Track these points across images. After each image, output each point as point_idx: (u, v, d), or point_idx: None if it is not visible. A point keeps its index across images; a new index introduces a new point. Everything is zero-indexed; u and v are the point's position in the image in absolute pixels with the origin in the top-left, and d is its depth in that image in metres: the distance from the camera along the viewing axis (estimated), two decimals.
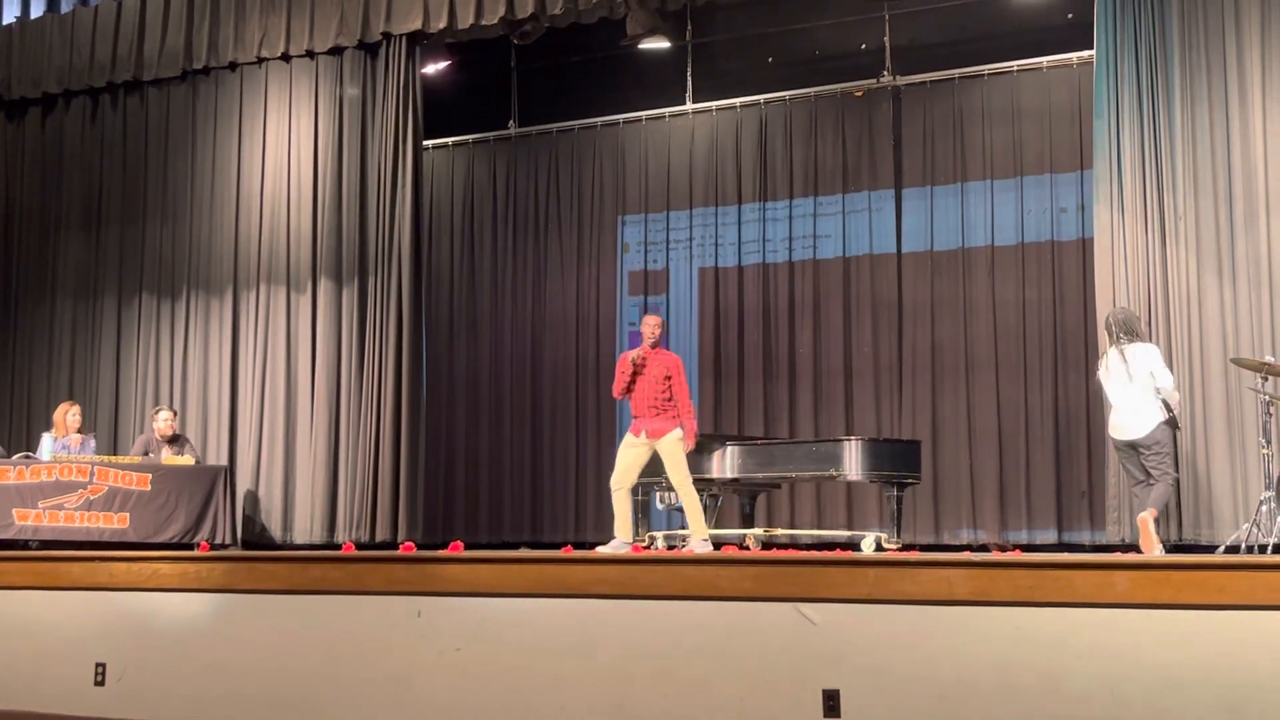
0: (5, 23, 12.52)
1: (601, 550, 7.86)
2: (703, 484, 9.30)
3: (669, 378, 8.34)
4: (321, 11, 11.34)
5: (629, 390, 8.41)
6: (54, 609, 7.36)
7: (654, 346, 8.42)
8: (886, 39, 11.65)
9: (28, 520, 9.57)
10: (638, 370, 8.37)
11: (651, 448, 8.33)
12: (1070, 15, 10.96)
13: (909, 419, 11.47)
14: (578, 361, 12.87)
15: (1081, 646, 5.47)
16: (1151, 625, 5.41)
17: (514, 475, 12.90)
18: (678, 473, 8.27)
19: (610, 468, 8.62)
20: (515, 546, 11.45)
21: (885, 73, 11.70)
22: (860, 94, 11.98)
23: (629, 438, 8.41)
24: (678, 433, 8.27)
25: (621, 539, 8.25)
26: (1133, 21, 9.26)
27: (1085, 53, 10.32)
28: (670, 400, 8.33)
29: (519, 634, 6.37)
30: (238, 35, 11.63)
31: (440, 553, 7.72)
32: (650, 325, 8.48)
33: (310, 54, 11.52)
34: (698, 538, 8.16)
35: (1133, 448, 7.92)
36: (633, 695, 6.08)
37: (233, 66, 11.83)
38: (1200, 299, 8.87)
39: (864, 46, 12.02)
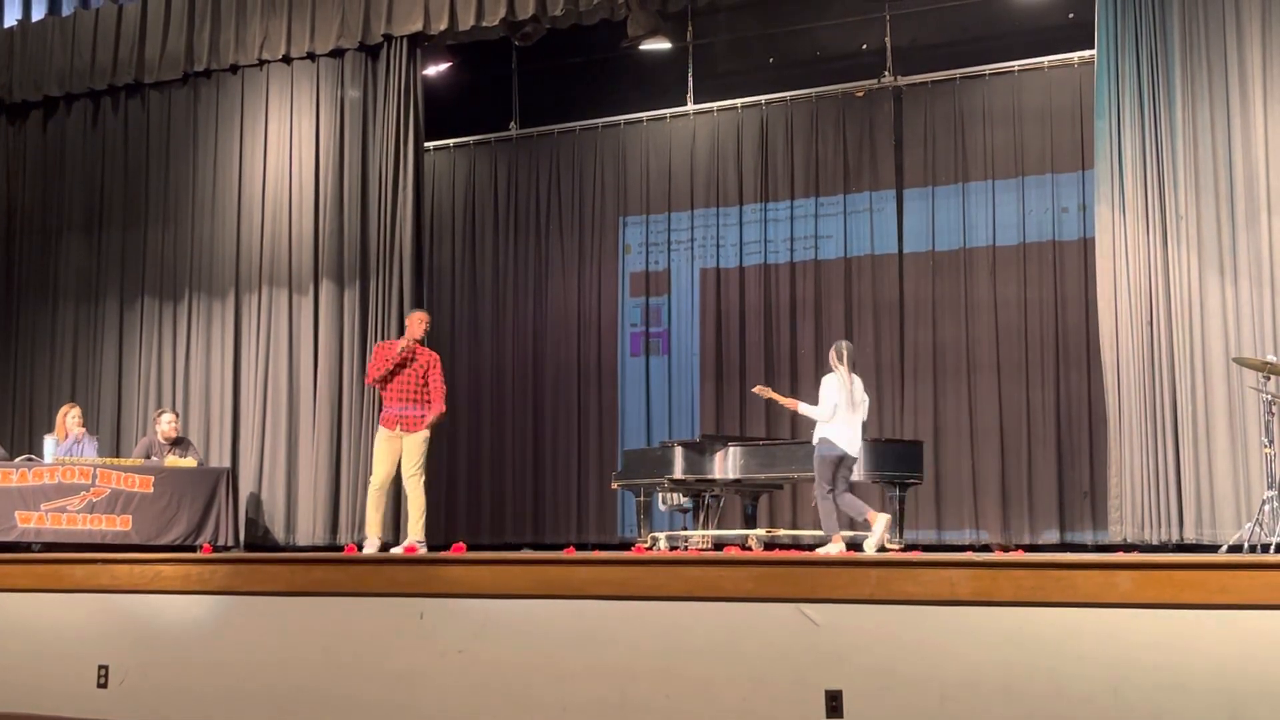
0: (6, 25, 12.52)
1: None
2: (705, 484, 9.31)
3: (428, 373, 9.07)
4: (322, 14, 11.34)
5: (388, 381, 9.01)
6: (56, 611, 7.36)
7: (421, 342, 9.11)
8: (887, 39, 11.66)
9: (30, 523, 9.57)
10: (404, 363, 9.00)
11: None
12: (1071, 15, 10.96)
13: (911, 419, 11.47)
14: (579, 362, 12.87)
15: (1084, 647, 5.47)
16: (1154, 625, 5.41)
17: (516, 476, 12.91)
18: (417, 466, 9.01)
19: (613, 469, 8.64)
20: (517, 548, 11.45)
21: (886, 73, 11.71)
22: (861, 94, 11.99)
23: (388, 433, 8.93)
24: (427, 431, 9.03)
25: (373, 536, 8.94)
26: (1134, 21, 9.26)
27: (1086, 52, 10.32)
28: (426, 394, 9.05)
29: (521, 635, 6.38)
30: (239, 38, 11.63)
31: (442, 554, 7.73)
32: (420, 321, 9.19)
33: (311, 56, 11.52)
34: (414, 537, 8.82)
35: (842, 461, 8.38)
36: (635, 696, 6.08)
37: (234, 69, 11.83)
38: (1202, 298, 8.86)
39: (865, 47, 12.03)
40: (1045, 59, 11.32)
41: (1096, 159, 9.38)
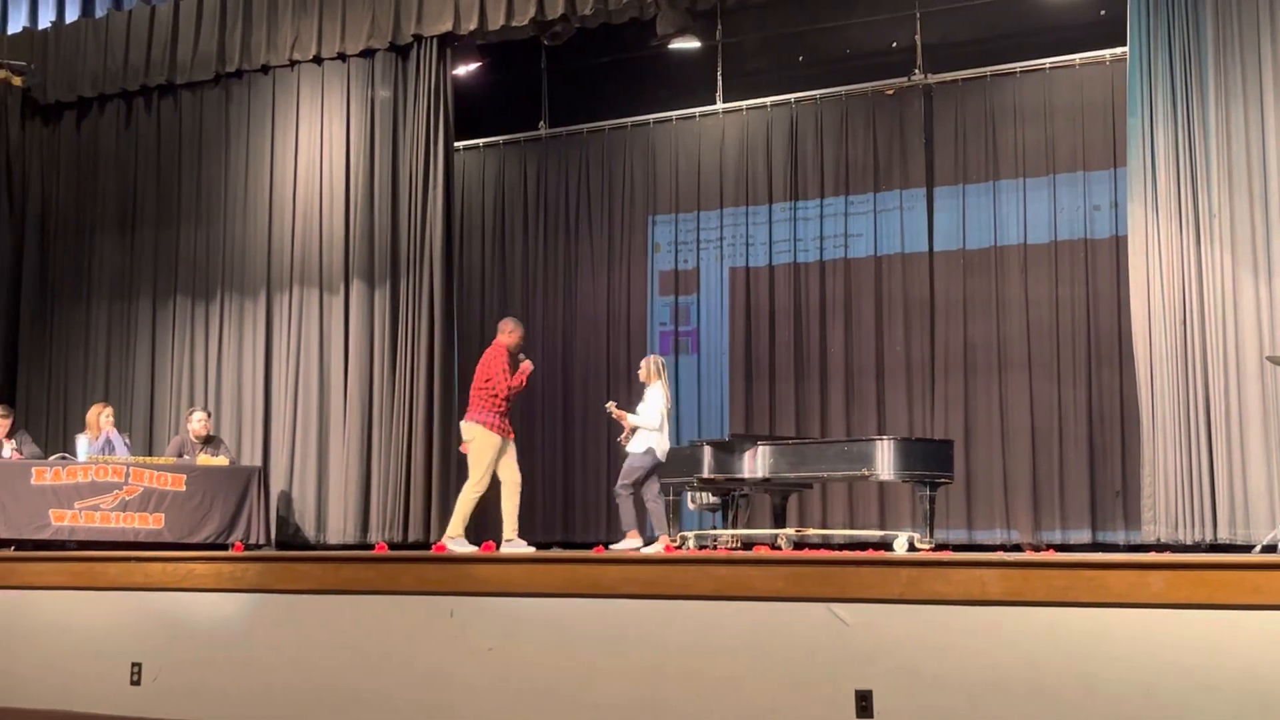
0: (40, 27, 12.62)
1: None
2: (734, 483, 9.30)
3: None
4: (353, 14, 11.39)
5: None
6: (90, 609, 7.42)
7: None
8: (918, 37, 11.61)
9: (64, 521, 9.66)
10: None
11: None
12: (1103, 12, 10.89)
13: (941, 418, 11.43)
14: (608, 361, 12.87)
15: (1116, 647, 5.43)
16: (1187, 626, 5.37)
17: (545, 475, 12.92)
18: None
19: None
20: (547, 547, 11.46)
21: (916, 71, 11.66)
22: (891, 92, 11.94)
23: (502, 441, 8.97)
24: None
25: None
26: (1166, 18, 9.19)
27: (1118, 50, 10.26)
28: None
29: (551, 634, 6.39)
30: (270, 38, 11.69)
31: (473, 552, 7.75)
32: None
33: (342, 56, 11.58)
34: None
35: (656, 467, 9.42)
36: (665, 695, 6.08)
37: (265, 69, 11.89)
38: (1235, 297, 8.79)
39: (895, 45, 11.98)
40: (1077, 56, 11.25)
41: (1129, 156, 9.32)
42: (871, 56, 12.17)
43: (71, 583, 7.53)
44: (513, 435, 9.11)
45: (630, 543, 9.12)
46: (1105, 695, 5.41)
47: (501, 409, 8.99)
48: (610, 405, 9.78)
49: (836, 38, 12.48)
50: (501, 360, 9.05)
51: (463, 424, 9.15)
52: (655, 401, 9.51)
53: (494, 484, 8.94)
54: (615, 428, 10.02)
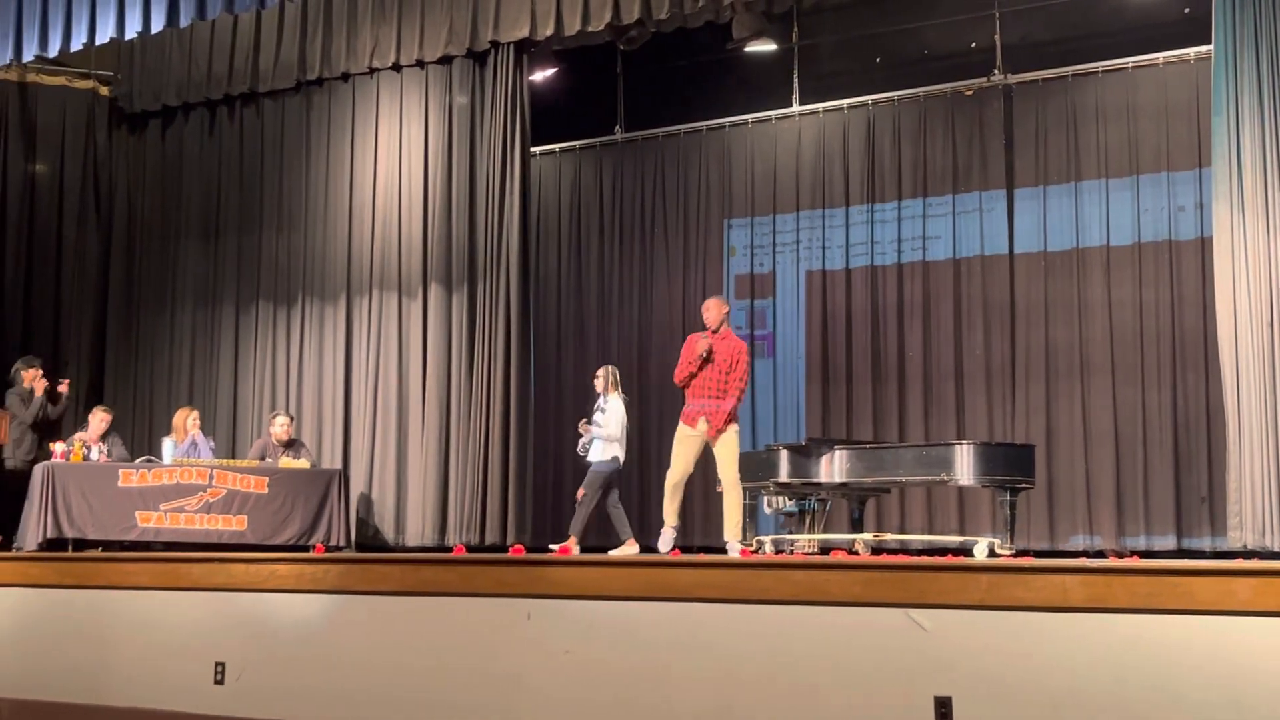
0: (127, 38, 12.84)
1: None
2: (810, 488, 9.24)
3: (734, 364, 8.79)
4: (431, 21, 11.49)
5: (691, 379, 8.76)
6: (175, 609, 7.53)
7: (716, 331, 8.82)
8: (997, 37, 11.49)
9: (150, 522, 9.84)
10: (707, 359, 8.73)
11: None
12: (1187, 10, 10.72)
13: (1022, 422, 11.29)
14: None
15: (1201, 656, 5.33)
16: (1275, 634, 5.25)
17: (622, 480, 12.90)
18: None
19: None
20: None
21: (996, 71, 11.54)
22: (970, 93, 11.83)
23: (685, 429, 8.68)
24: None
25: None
26: (1253, 15, 9.02)
27: (1203, 48, 10.09)
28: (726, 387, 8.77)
29: (626, 637, 6.39)
30: (350, 46, 11.83)
31: (549, 555, 7.78)
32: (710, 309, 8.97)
33: (420, 63, 11.69)
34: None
35: (615, 475, 9.78)
36: (740, 700, 6.06)
37: (345, 77, 12.04)
38: None
39: (974, 45, 11.86)
40: (1160, 55, 11.07)
41: (1214, 157, 9.16)
42: (949, 57, 12.06)
43: (157, 583, 7.64)
44: (711, 425, 8.90)
45: (630, 549, 9.42)
46: (1191, 705, 5.31)
47: (689, 395, 8.98)
48: (582, 424, 9.92)
49: (914, 39, 12.38)
50: (687, 351, 8.93)
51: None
52: (617, 411, 9.71)
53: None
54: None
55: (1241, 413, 8.79)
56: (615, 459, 9.69)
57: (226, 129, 12.68)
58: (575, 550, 9.24)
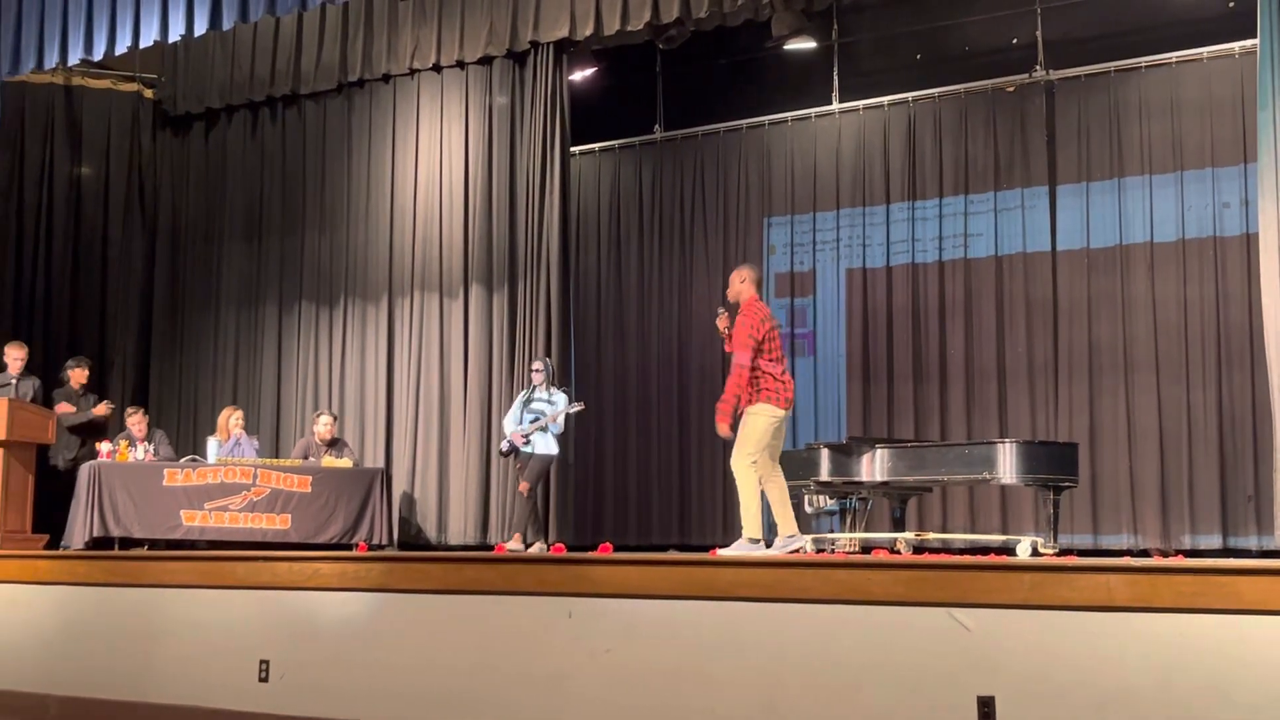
0: (170, 41, 12.97)
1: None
2: (852, 487, 9.22)
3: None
4: (471, 22, 11.53)
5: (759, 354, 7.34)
6: (220, 607, 7.58)
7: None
8: (1038, 33, 11.41)
9: (194, 521, 9.93)
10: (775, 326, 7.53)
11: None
12: (1231, 4, 10.61)
13: (1065, 420, 11.21)
14: (723, 364, 12.79)
15: (1249, 655, 5.28)
16: None
17: (662, 478, 12.94)
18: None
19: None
20: (664, 549, 11.48)
21: (1038, 67, 11.45)
22: (1012, 90, 11.75)
23: (779, 411, 7.36)
24: None
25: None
26: None
27: (1248, 42, 9.99)
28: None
29: (668, 636, 6.39)
30: (390, 48, 11.89)
31: (590, 554, 7.78)
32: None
33: (460, 64, 11.74)
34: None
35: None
36: (782, 699, 6.05)
37: (386, 78, 12.11)
38: None
39: (1015, 41, 11.79)
40: (1204, 49, 10.96)
41: (1259, 152, 9.05)
42: (990, 54, 11.99)
43: (201, 581, 7.70)
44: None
45: (517, 544, 9.93)
46: (1238, 705, 5.26)
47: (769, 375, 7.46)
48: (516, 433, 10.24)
49: (954, 35, 12.32)
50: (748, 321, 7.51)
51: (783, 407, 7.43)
52: (562, 403, 10.27)
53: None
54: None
55: None
56: (556, 451, 10.28)
57: (269, 130, 12.77)
58: (519, 547, 9.70)
